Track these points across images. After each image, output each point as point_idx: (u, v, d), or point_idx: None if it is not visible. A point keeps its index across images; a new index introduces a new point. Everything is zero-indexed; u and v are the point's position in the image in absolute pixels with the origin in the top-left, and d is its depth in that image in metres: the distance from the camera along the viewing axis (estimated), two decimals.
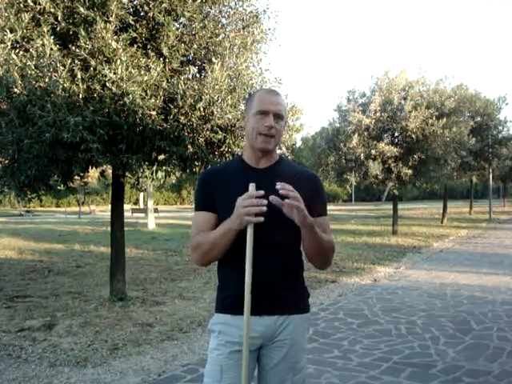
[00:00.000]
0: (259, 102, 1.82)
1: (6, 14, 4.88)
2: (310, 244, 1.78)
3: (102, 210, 40.31)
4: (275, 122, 1.80)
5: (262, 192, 1.64)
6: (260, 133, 1.80)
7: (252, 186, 1.67)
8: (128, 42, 5.13)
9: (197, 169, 6.08)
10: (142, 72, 5.00)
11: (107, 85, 4.88)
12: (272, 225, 1.76)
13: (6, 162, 5.56)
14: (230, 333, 1.80)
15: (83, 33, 4.82)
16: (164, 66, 5.35)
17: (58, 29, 5.09)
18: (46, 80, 4.76)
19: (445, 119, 14.41)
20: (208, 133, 5.50)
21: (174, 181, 42.75)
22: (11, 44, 4.85)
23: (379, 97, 14.67)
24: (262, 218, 1.65)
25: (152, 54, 5.33)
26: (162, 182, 21.38)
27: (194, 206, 1.93)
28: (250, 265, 1.68)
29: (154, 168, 6.22)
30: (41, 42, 4.74)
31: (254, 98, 1.86)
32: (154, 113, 5.12)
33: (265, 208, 1.64)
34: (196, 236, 1.82)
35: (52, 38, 4.81)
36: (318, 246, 1.79)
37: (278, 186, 1.63)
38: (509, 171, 26.94)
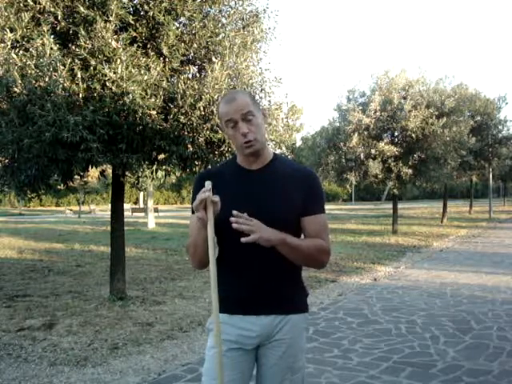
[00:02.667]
0: (224, 115, 1.80)
1: (6, 14, 4.88)
2: (289, 256, 1.77)
3: (102, 210, 40.31)
4: (247, 124, 1.76)
5: (208, 187, 1.66)
6: (241, 143, 1.78)
7: (208, 184, 1.68)
8: (128, 41, 5.13)
9: (197, 168, 6.08)
10: (142, 71, 5.00)
11: (107, 84, 4.88)
12: (269, 224, 1.76)
13: (6, 161, 5.57)
14: (227, 331, 1.80)
15: (83, 32, 4.82)
16: (164, 66, 5.35)
17: (57, 28, 5.10)
18: (46, 79, 4.76)
19: (445, 119, 14.40)
20: (208, 132, 5.50)
21: (174, 180, 42.74)
22: (11, 43, 4.85)
23: (379, 96, 14.66)
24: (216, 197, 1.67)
25: (152, 53, 5.34)
26: (161, 181, 21.35)
27: (190, 208, 1.90)
28: (213, 261, 1.67)
29: (154, 167, 6.22)
30: (41, 42, 4.74)
31: (220, 113, 1.83)
32: (154, 112, 5.12)
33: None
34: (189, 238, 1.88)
35: (52, 37, 4.81)
36: (299, 256, 1.78)
37: (233, 219, 1.65)
38: (509, 171, 26.91)
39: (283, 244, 1.70)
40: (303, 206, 1.75)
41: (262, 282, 1.77)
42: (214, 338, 1.67)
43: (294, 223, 1.81)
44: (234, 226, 1.63)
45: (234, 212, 1.65)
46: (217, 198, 1.66)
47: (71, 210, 38.52)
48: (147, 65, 5.16)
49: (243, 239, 1.64)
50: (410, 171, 14.71)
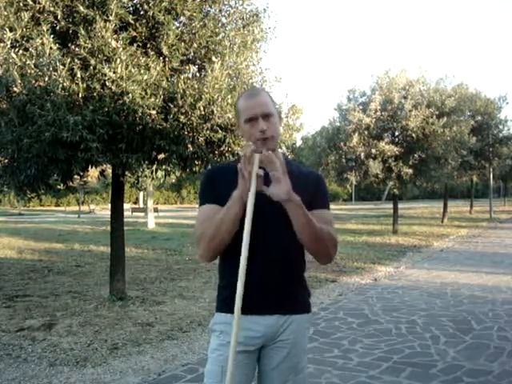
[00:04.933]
0: (243, 110, 1.80)
1: (6, 13, 4.87)
2: (301, 227, 1.70)
3: (103, 209, 40.32)
4: (266, 121, 1.76)
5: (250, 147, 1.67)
6: (256, 139, 1.77)
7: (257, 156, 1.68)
8: (128, 40, 5.12)
9: (197, 168, 6.07)
10: (142, 71, 4.99)
11: (107, 84, 4.87)
12: (273, 224, 1.77)
13: (6, 161, 5.56)
14: (231, 333, 1.78)
15: (83, 32, 4.82)
16: (164, 65, 5.34)
17: (57, 28, 5.09)
18: (46, 79, 4.75)
19: (445, 118, 14.40)
20: (208, 132, 5.49)
21: (173, 180, 42.66)
22: (11, 43, 4.84)
23: (379, 96, 14.65)
24: (261, 171, 1.66)
25: (152, 53, 5.33)
26: (161, 181, 21.28)
27: (199, 202, 1.89)
28: (248, 237, 1.64)
29: (154, 167, 6.21)
30: (40, 41, 4.74)
31: (239, 107, 1.84)
32: (153, 112, 5.11)
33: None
34: (201, 226, 1.79)
35: (52, 36, 4.80)
36: (311, 232, 1.72)
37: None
38: (509, 170, 26.93)
39: (299, 205, 1.67)
40: (310, 204, 1.75)
41: (267, 281, 1.77)
42: (233, 337, 1.62)
43: None
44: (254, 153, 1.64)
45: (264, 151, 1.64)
46: (261, 172, 1.66)
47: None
48: (147, 64, 5.15)
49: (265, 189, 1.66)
50: (411, 171, 14.70)
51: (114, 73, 4.79)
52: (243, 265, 1.64)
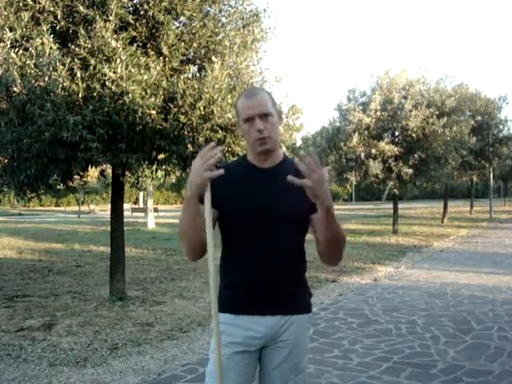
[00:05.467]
0: (241, 110, 1.79)
1: (6, 13, 4.87)
2: (327, 228, 1.66)
3: (102, 210, 40.32)
4: (263, 121, 1.75)
5: (213, 144, 1.61)
6: (254, 139, 1.77)
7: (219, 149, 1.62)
8: (128, 40, 5.12)
9: None
10: (142, 71, 4.99)
11: (107, 84, 4.87)
12: (274, 224, 1.76)
13: (6, 161, 5.55)
14: (232, 333, 1.78)
15: (83, 32, 4.82)
16: (164, 65, 5.34)
17: (57, 28, 5.09)
18: (46, 79, 4.75)
19: (445, 118, 14.39)
20: (208, 132, 5.49)
21: (173, 180, 42.64)
22: (11, 43, 4.84)
23: (379, 96, 14.65)
24: (222, 171, 1.58)
25: (152, 52, 5.33)
26: (161, 181, 21.28)
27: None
28: (211, 240, 1.59)
29: (154, 167, 6.21)
30: (40, 41, 4.74)
31: (238, 107, 1.83)
32: (153, 112, 5.11)
33: (219, 154, 1.57)
34: None
35: (51, 36, 4.80)
36: (334, 233, 1.69)
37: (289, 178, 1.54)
38: (509, 170, 26.93)
39: (330, 207, 1.60)
40: (313, 205, 1.72)
41: (269, 281, 1.77)
42: (214, 338, 1.64)
43: (305, 221, 1.80)
44: (297, 161, 1.51)
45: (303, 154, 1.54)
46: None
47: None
48: (147, 64, 5.15)
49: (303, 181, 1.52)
50: (411, 171, 14.69)
51: (114, 73, 4.80)
52: (211, 267, 1.59)
